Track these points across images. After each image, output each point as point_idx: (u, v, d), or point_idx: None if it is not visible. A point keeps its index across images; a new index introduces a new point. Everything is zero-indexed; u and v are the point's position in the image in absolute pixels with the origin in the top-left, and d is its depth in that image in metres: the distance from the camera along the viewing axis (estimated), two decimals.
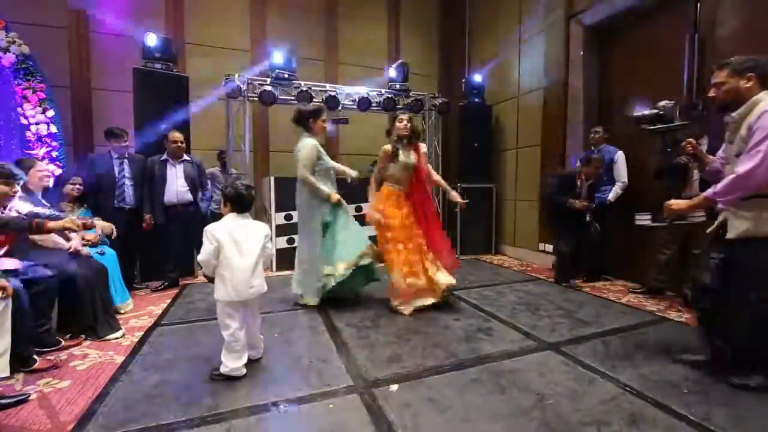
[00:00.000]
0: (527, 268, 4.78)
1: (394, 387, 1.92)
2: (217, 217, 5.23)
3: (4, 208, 2.22)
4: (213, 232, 1.95)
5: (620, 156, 3.84)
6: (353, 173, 3.26)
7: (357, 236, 3.11)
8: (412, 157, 3.05)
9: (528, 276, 4.36)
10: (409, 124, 3.04)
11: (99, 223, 3.12)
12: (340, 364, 2.17)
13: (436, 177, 3.33)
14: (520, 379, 1.99)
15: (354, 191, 3.66)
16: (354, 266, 3.00)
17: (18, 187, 2.25)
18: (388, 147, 3.01)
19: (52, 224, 2.15)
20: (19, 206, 2.44)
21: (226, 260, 1.95)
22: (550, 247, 4.82)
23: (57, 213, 2.64)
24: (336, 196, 3.06)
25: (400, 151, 3.00)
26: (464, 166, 5.61)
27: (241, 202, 2.04)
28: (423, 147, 3.17)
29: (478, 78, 5.70)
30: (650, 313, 3.05)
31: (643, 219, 2.66)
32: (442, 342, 2.48)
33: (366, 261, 3.05)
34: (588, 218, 3.74)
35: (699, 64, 3.40)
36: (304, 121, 3.09)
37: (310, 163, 2.99)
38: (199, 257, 1.98)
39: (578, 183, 3.73)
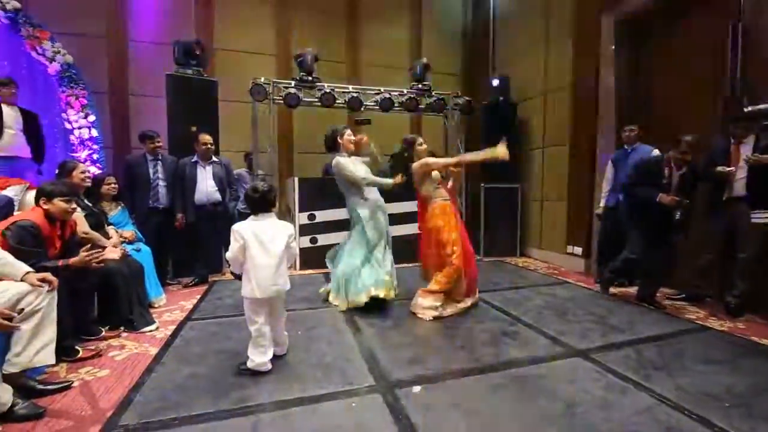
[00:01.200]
0: (554, 271, 4.65)
1: (417, 388, 1.91)
2: (243, 216, 5.38)
3: (65, 223, 2.35)
4: (239, 230, 2.01)
5: (656, 155, 3.67)
6: (389, 181, 3.21)
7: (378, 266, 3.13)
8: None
9: (555, 279, 4.24)
10: (425, 146, 3.19)
11: (116, 235, 3.09)
12: (363, 364, 2.18)
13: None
14: (547, 385, 1.93)
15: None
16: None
17: (75, 205, 2.38)
18: (422, 162, 3.06)
19: (73, 261, 2.22)
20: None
21: (251, 258, 2.00)
22: (578, 250, 4.67)
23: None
24: (397, 180, 3.14)
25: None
26: (488, 166, 5.44)
27: (261, 203, 2.08)
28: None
29: (502, 75, 5.59)
30: (689, 321, 2.90)
31: (762, 216, 2.72)
32: (465, 345, 2.44)
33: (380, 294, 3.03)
34: (678, 217, 3.17)
35: (743, 56, 3.20)
36: (332, 143, 3.22)
37: (358, 170, 3.12)
38: (227, 254, 2.04)
39: (666, 172, 3.10)
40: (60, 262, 2.17)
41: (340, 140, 3.17)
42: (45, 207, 2.24)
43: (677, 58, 3.86)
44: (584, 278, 4.25)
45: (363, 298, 2.99)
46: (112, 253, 2.72)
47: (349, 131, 3.21)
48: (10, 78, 3.61)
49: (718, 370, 2.10)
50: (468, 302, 3.12)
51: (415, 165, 3.08)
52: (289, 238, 2.10)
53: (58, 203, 2.24)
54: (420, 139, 3.19)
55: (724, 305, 3.07)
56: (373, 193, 3.23)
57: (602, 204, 3.97)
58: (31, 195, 2.49)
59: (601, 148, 4.40)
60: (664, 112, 4.01)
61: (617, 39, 4.28)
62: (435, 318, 2.89)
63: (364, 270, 3.08)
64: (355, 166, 3.15)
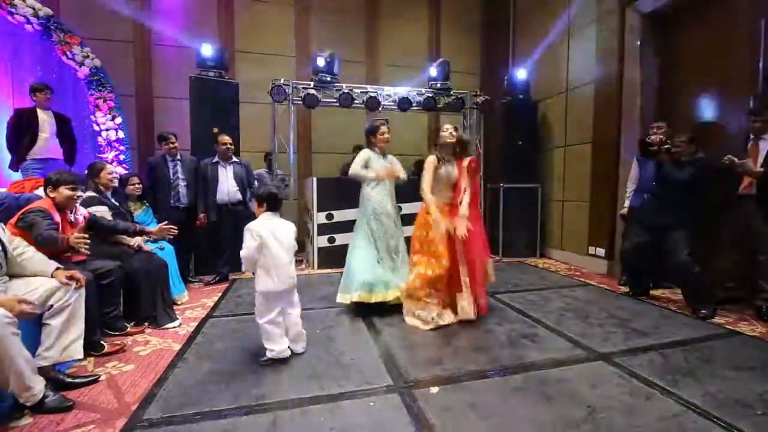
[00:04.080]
0: (575, 273, 4.54)
1: (435, 389, 1.90)
2: None
3: (71, 211, 2.43)
4: (256, 230, 2.08)
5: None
6: (369, 175, 3.23)
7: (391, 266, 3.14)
8: (454, 171, 2.88)
9: (576, 281, 4.14)
10: (453, 134, 2.90)
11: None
12: (381, 363, 2.18)
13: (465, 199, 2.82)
14: (568, 389, 1.89)
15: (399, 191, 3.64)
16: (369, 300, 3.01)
17: (81, 192, 2.47)
18: (432, 158, 2.91)
19: (69, 239, 2.19)
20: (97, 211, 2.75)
21: (271, 254, 2.09)
22: (601, 251, 4.55)
23: (116, 221, 2.86)
24: (382, 174, 3.17)
25: (444, 163, 2.89)
26: (507, 166, 5.43)
27: (275, 202, 2.22)
28: (465, 161, 2.92)
29: (522, 73, 5.50)
30: (717, 326, 2.78)
31: None
32: (484, 346, 2.41)
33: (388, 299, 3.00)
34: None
35: None
36: (367, 139, 3.35)
37: (360, 162, 3.21)
38: (243, 253, 2.10)
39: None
40: (59, 237, 2.16)
41: (372, 138, 3.28)
42: (51, 195, 2.32)
43: (706, 54, 3.71)
44: (607, 280, 4.14)
45: (347, 299, 3.02)
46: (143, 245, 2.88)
47: (384, 128, 3.28)
48: (45, 83, 3.79)
49: (749, 376, 2.01)
50: (445, 318, 2.76)
51: (431, 158, 2.92)
52: (294, 234, 2.25)
53: (63, 191, 2.31)
54: (445, 126, 2.96)
55: (756, 309, 2.94)
56: (385, 188, 3.23)
57: (627, 204, 3.86)
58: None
59: (625, 147, 4.27)
60: (691, 111, 3.86)
61: (643, 34, 4.15)
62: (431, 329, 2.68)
63: (362, 268, 3.07)
64: (370, 161, 3.21)
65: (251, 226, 2.11)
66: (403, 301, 2.89)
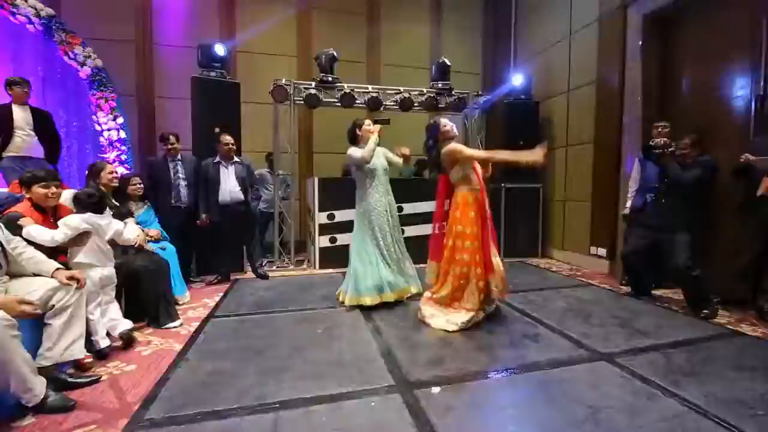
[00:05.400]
0: (577, 273, 4.54)
1: (436, 389, 1.90)
2: (265, 215, 5.43)
3: (54, 210, 2.39)
4: (73, 223, 2.26)
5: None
6: (401, 154, 3.28)
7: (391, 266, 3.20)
8: None
9: (578, 281, 4.14)
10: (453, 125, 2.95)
11: (142, 234, 3.11)
12: (382, 363, 2.18)
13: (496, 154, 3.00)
14: (570, 389, 1.89)
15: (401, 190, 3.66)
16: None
17: (56, 189, 2.36)
18: (450, 148, 2.78)
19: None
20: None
21: (96, 244, 2.32)
22: (602, 251, 4.54)
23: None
24: (405, 152, 3.23)
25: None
26: (509, 166, 5.42)
27: (91, 205, 2.37)
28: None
29: (524, 74, 5.49)
30: (719, 326, 2.78)
31: None
32: (485, 347, 2.41)
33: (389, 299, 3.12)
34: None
35: None
36: (353, 137, 3.30)
37: (358, 149, 3.16)
38: (53, 237, 2.17)
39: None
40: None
41: (359, 132, 3.24)
42: (27, 196, 2.32)
43: (707, 54, 3.70)
44: (608, 280, 4.14)
45: (367, 301, 3.06)
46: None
47: (367, 121, 3.27)
48: (23, 78, 3.59)
49: (751, 376, 2.01)
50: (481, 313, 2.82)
51: (445, 150, 2.81)
52: (117, 225, 2.52)
53: (37, 190, 2.28)
54: (443, 120, 2.93)
55: (758, 310, 2.93)
56: (382, 187, 3.24)
57: (628, 205, 3.85)
58: (68, 193, 2.57)
59: (627, 147, 4.26)
60: (693, 110, 3.85)
61: (644, 34, 4.13)
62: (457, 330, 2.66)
63: (371, 270, 3.09)
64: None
65: (69, 219, 2.26)
66: (427, 305, 2.87)
